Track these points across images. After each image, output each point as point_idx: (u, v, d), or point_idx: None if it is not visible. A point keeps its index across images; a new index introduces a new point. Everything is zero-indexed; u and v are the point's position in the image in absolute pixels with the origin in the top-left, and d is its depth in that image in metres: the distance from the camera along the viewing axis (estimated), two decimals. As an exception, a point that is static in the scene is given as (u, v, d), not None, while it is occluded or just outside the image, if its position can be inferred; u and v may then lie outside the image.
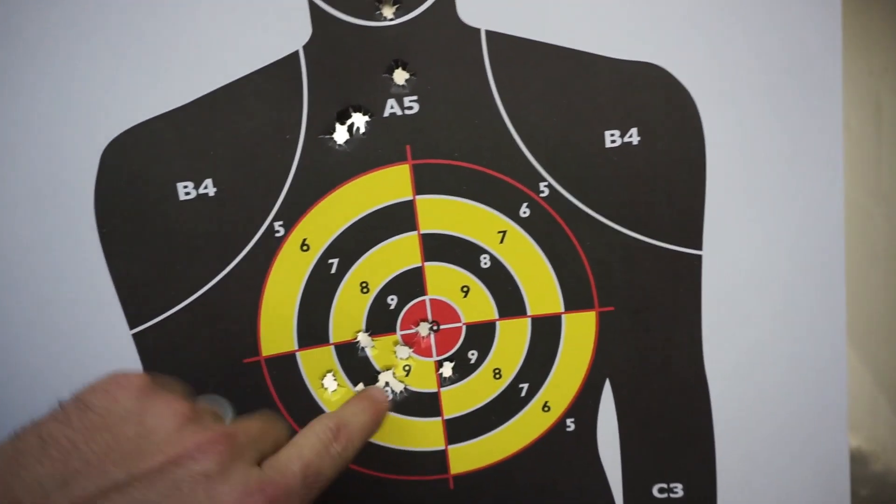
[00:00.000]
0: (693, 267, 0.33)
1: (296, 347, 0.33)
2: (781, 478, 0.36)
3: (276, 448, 0.26)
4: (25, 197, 0.31)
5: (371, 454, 0.35)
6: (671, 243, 0.33)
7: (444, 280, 0.33)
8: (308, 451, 0.26)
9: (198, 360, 0.32)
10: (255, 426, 0.26)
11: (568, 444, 0.35)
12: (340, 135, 0.31)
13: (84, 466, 0.21)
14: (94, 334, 0.32)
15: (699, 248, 0.33)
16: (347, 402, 0.30)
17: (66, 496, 0.20)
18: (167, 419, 0.23)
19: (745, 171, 0.32)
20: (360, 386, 0.34)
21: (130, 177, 0.31)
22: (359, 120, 0.31)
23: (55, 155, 0.31)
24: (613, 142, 0.31)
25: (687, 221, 0.32)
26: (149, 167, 0.31)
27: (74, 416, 0.22)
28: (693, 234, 0.32)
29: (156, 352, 0.32)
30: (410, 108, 0.31)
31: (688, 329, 0.34)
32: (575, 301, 0.33)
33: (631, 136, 0.31)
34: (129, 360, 0.32)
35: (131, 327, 0.32)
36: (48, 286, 0.32)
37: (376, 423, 0.30)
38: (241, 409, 0.33)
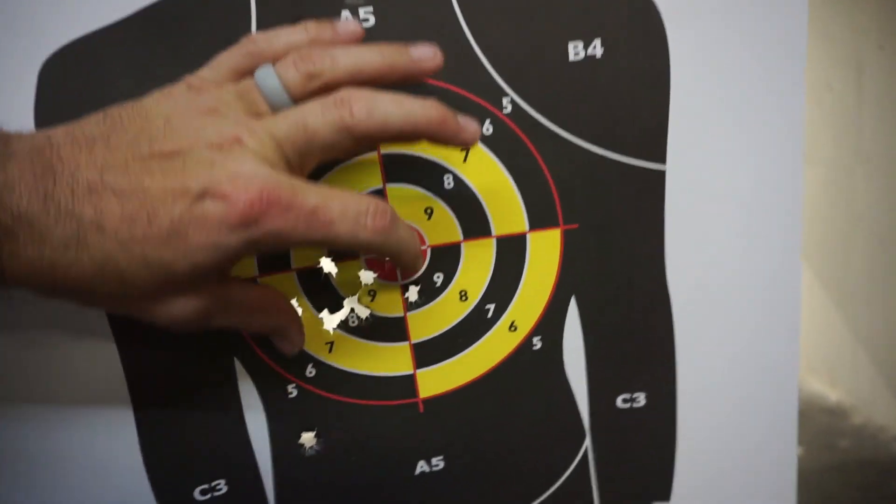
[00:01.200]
0: (656, 182, 0.33)
1: (256, 273, 0.32)
2: (736, 388, 0.37)
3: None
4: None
5: (338, 381, 0.34)
6: (635, 158, 0.32)
7: (406, 202, 0.32)
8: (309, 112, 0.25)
9: None
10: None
11: (535, 362, 0.36)
12: (293, 50, 0.30)
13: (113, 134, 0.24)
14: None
15: (663, 162, 0.33)
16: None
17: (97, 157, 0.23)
18: (191, 114, 0.25)
19: (709, 86, 0.31)
20: (325, 312, 0.34)
21: (71, 97, 0.29)
22: (312, 34, 0.30)
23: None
24: (577, 54, 0.31)
25: (650, 136, 0.32)
26: (91, 87, 0.29)
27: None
28: (656, 148, 0.32)
29: None
30: (366, 20, 0.29)
31: (650, 245, 0.34)
32: (539, 219, 0.33)
33: (595, 49, 0.30)
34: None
35: None
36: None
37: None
38: (204, 336, 0.32)
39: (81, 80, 0.29)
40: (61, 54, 0.28)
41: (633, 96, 0.31)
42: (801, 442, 0.37)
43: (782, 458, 0.38)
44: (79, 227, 0.23)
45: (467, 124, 0.27)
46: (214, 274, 0.26)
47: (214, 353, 0.33)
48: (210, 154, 0.24)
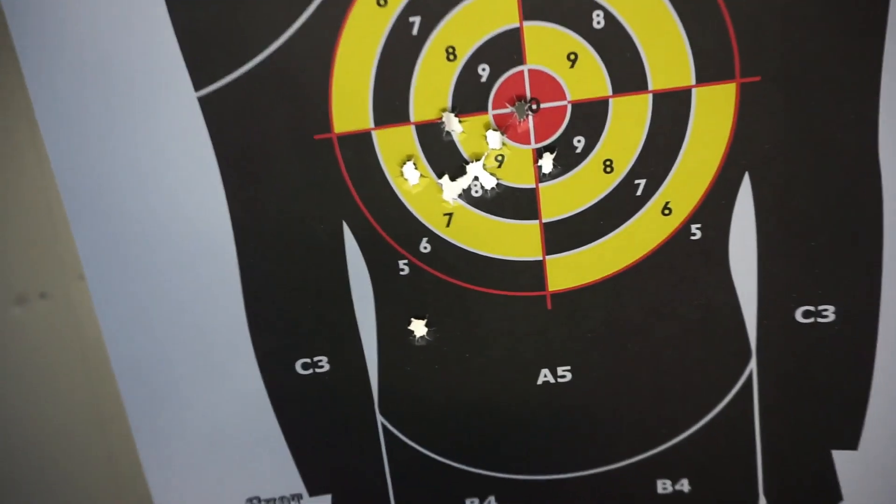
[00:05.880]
0: (875, 22, 0.25)
1: (371, 125, 0.29)
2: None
3: None
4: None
5: (455, 260, 0.30)
6: (846, -15, 0.25)
7: (546, 45, 0.27)
8: None
9: (266, 133, 0.28)
10: None
11: (692, 257, 0.29)
12: None
13: None
14: (158, 96, 0.28)
15: (885, -10, 0.25)
16: None
17: None
18: None
19: None
20: (445, 178, 0.29)
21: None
22: None
23: None
24: None
25: (871, -48, 0.25)
26: None
27: None
28: (878, -31, 0.25)
29: (222, 119, 0.28)
30: None
31: (859, 104, 0.26)
32: (710, 70, 0.27)
33: None
34: (196, 126, 0.29)
35: (196, 89, 0.28)
36: (111, 40, 0.28)
37: None
38: (313, 193, 0.29)
39: None
40: None
41: None
42: None
43: None
44: None
45: None
46: None
47: (323, 211, 0.29)
48: None
